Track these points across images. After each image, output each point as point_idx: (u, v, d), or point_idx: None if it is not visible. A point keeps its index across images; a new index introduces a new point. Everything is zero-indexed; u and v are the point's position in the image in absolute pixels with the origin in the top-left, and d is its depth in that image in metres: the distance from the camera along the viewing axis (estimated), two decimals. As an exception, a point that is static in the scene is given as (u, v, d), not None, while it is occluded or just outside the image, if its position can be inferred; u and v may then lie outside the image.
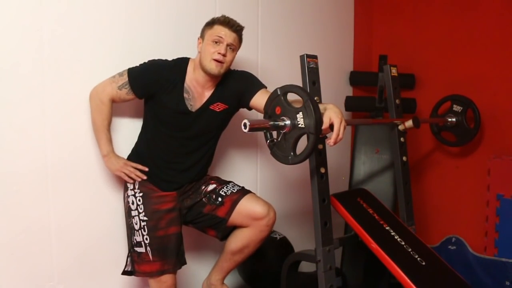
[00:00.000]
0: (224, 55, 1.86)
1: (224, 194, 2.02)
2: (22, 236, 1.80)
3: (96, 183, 1.99)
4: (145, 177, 1.94)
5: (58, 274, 1.91)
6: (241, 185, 2.10)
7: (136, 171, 1.93)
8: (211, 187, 2.05)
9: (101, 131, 1.89)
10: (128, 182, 1.95)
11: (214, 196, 2.02)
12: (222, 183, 2.08)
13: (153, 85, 1.89)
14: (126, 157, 1.99)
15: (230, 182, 2.10)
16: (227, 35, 1.87)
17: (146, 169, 1.94)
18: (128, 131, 2.05)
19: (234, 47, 1.91)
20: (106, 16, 1.97)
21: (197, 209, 2.03)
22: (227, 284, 2.17)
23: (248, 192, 2.06)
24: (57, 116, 1.86)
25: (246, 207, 1.98)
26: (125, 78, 1.87)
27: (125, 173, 1.92)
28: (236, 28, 1.90)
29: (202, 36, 1.93)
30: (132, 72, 1.88)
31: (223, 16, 1.91)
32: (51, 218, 1.87)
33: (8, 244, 1.78)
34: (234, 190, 2.04)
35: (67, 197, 1.91)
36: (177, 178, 1.99)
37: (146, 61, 1.92)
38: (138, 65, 1.91)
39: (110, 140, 1.92)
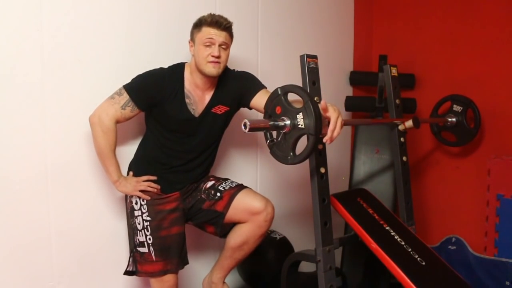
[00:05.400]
0: (218, 57, 1.84)
1: (222, 189, 2.02)
2: (22, 236, 1.80)
3: (96, 183, 1.98)
4: (159, 187, 1.93)
5: (58, 274, 1.91)
6: (240, 182, 2.11)
7: (150, 183, 1.91)
8: (209, 183, 2.06)
9: (109, 157, 1.84)
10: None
11: (213, 191, 2.03)
12: (221, 179, 2.10)
13: (155, 96, 1.86)
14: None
15: (228, 179, 2.11)
16: (217, 35, 1.83)
17: (155, 177, 1.93)
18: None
19: (227, 45, 1.88)
20: (107, 18, 1.96)
21: (197, 206, 2.03)
22: (227, 284, 2.17)
23: (246, 187, 2.07)
24: (57, 117, 1.85)
25: (243, 201, 1.98)
26: (126, 96, 1.83)
27: (141, 191, 1.89)
28: (225, 26, 1.85)
29: (192, 39, 1.90)
30: (132, 88, 1.84)
31: (210, 16, 1.86)
32: (51, 218, 1.87)
33: (8, 244, 1.78)
34: (233, 185, 2.06)
35: (67, 197, 1.91)
36: (181, 179, 2.00)
37: (139, 74, 1.88)
38: (132, 80, 1.87)
39: (118, 165, 1.88)
